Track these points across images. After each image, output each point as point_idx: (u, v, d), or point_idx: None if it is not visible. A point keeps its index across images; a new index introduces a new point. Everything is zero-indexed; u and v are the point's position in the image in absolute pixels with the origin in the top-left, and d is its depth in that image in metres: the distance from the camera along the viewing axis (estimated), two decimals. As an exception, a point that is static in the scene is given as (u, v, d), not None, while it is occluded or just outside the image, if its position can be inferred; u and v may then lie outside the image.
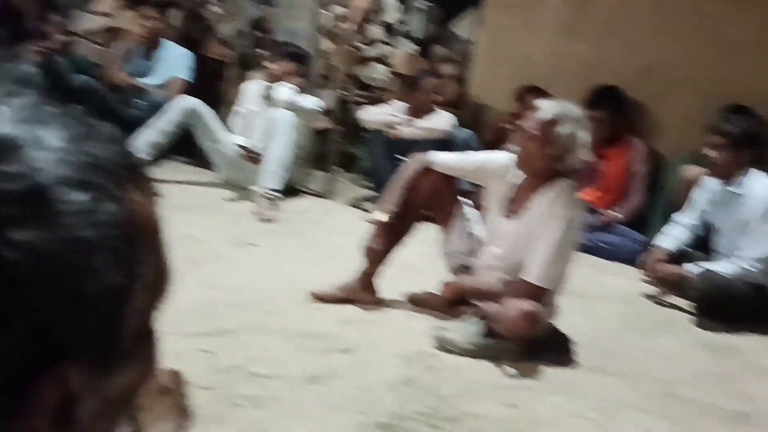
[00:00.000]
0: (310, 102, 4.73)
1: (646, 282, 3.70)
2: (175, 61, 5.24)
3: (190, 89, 5.10)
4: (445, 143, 4.60)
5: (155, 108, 4.75)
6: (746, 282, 3.33)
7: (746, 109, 4.24)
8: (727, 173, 3.51)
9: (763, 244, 3.32)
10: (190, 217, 3.60)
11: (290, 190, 4.77)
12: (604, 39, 4.95)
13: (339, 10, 5.67)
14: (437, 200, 2.98)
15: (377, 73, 5.67)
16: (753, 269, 3.32)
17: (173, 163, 4.86)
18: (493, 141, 4.91)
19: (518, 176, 2.80)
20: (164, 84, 5.15)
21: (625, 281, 3.86)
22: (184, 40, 5.55)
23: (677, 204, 4.15)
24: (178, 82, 5.15)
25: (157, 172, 4.32)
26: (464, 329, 2.67)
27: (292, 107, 4.60)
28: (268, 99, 4.69)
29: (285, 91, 4.64)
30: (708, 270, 3.41)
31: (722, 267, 3.41)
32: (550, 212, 2.63)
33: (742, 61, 4.67)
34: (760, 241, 3.33)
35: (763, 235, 3.32)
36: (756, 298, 3.35)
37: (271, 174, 4.42)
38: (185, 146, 4.81)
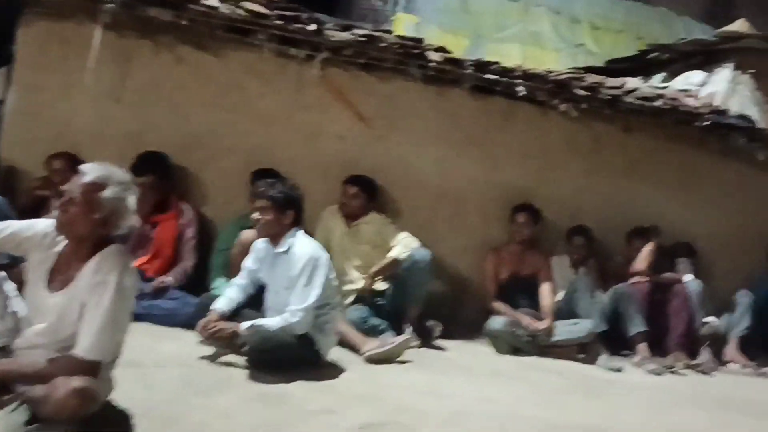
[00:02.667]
0: None
1: (204, 343, 3.75)
2: None
3: None
4: (-27, 212, 4.08)
5: None
6: (290, 333, 3.60)
7: (273, 173, 4.67)
8: (273, 234, 3.79)
9: (304, 297, 3.63)
10: None
11: None
12: (149, 106, 4.99)
13: None
14: (-35, 277, 2.60)
15: None
16: (295, 320, 3.60)
17: None
18: (30, 207, 4.53)
19: (62, 244, 2.61)
20: None
21: (183, 345, 3.85)
22: None
23: (235, 265, 4.33)
24: None
25: None
26: (5, 419, 2.35)
27: None
28: None
29: None
30: (256, 325, 3.60)
31: (269, 321, 3.63)
32: (98, 280, 2.48)
33: (274, 130, 5.15)
34: (301, 295, 3.63)
35: (303, 289, 3.64)
36: (299, 346, 3.64)
37: None
38: None
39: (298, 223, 3.82)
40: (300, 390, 3.39)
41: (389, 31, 5.71)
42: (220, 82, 5.08)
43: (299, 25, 5.01)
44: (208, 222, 4.99)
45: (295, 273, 3.65)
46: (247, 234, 4.37)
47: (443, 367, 4.23)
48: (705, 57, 6.44)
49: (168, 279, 4.46)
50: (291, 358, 3.60)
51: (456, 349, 4.78)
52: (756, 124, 6.02)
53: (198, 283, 4.59)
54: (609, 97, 5.66)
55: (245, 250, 4.16)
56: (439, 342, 4.79)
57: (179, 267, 4.60)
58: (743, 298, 5.71)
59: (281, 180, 4.06)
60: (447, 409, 3.39)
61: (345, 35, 5.13)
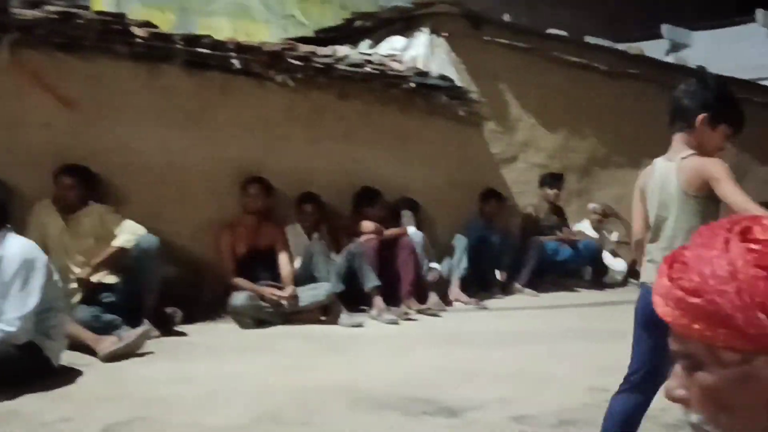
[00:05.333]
0: None
1: None
2: None
3: None
4: None
5: None
6: (12, 344, 3.26)
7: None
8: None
9: (22, 303, 3.30)
10: None
11: None
12: None
13: None
14: None
15: None
16: (12, 330, 3.25)
17: None
18: None
19: None
20: None
21: None
22: None
23: None
24: None
25: None
26: None
27: None
28: None
29: None
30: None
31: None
32: None
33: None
34: (17, 301, 3.29)
35: (19, 295, 3.29)
36: (24, 356, 3.31)
37: None
38: None
39: (3, 222, 3.43)
40: (31, 403, 3.10)
41: (86, 7, 5.32)
42: None
43: (-22, 3, 4.47)
44: None
45: (8, 279, 3.29)
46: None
47: (188, 353, 4.13)
48: (404, 23, 6.88)
49: None
50: (16, 371, 3.26)
51: (199, 331, 4.68)
52: (455, 83, 6.59)
53: None
54: (322, 66, 5.82)
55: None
56: (181, 328, 4.66)
57: None
58: (459, 242, 6.30)
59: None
60: (197, 394, 3.32)
61: (35, 13, 4.67)
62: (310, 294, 5.13)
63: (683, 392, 0.89)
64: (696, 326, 0.84)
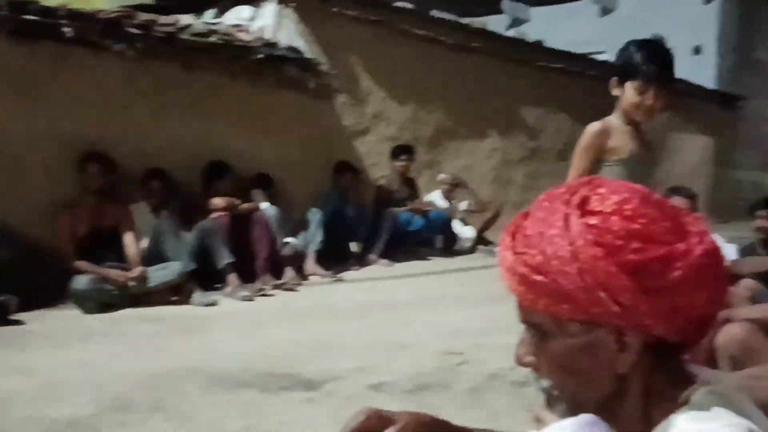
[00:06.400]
0: None
1: None
2: None
3: None
4: None
5: None
6: None
7: None
8: None
9: None
10: None
11: None
12: None
13: None
14: None
15: None
16: None
17: None
18: None
19: None
20: None
21: None
22: None
23: None
24: None
25: None
26: None
27: None
28: None
29: None
30: None
31: None
32: None
33: None
34: None
35: None
36: None
37: None
38: None
39: None
40: None
41: None
42: None
43: None
44: None
45: None
46: None
47: (25, 342, 3.86)
48: (251, -8, 6.70)
49: None
50: None
51: (38, 319, 4.38)
52: (304, 55, 6.51)
53: None
54: (164, 35, 5.56)
55: None
56: (17, 316, 4.34)
57: None
58: (314, 216, 6.27)
59: None
60: (37, 385, 3.11)
61: None
62: (160, 274, 4.94)
63: (532, 359, 0.92)
64: (541, 301, 0.86)
